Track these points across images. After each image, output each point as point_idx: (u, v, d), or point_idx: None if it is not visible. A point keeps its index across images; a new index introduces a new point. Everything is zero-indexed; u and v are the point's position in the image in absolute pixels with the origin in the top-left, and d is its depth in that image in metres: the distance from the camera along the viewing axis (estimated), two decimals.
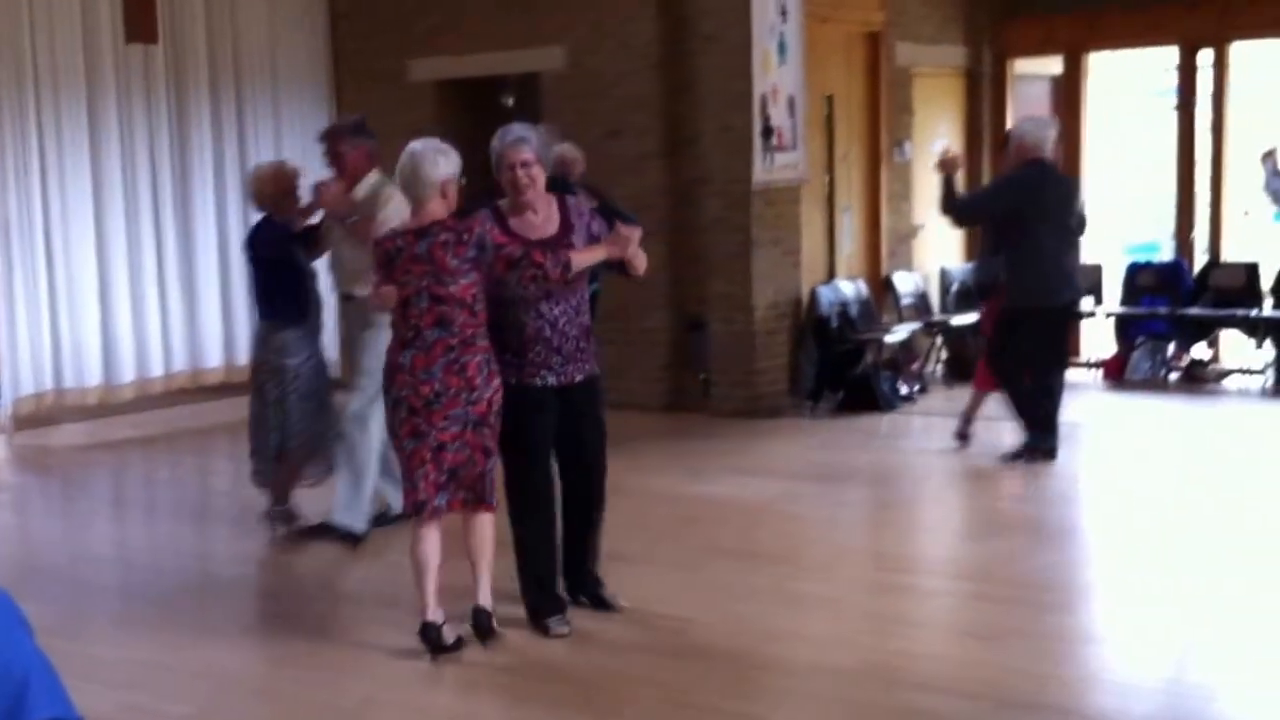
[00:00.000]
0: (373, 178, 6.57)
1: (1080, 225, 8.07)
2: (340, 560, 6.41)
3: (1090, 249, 11.78)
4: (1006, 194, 7.95)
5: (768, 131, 9.62)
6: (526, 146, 5.07)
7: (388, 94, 10.90)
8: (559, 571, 5.27)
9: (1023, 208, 7.74)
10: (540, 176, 5.10)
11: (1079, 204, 8.10)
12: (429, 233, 4.88)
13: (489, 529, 5.04)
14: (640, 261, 5.12)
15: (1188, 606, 5.54)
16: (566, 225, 5.12)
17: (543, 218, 5.12)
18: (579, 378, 5.14)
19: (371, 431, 6.41)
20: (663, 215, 9.64)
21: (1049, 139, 7.89)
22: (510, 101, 11.09)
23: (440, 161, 4.94)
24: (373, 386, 5.95)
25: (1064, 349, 8.39)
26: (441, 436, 4.87)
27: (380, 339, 5.61)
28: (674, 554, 6.28)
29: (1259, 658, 4.92)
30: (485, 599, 5.00)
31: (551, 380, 5.08)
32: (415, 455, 4.89)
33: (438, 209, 4.95)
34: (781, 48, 9.78)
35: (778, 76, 9.74)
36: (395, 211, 5.99)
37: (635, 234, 5.06)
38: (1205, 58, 11.02)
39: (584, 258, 5.00)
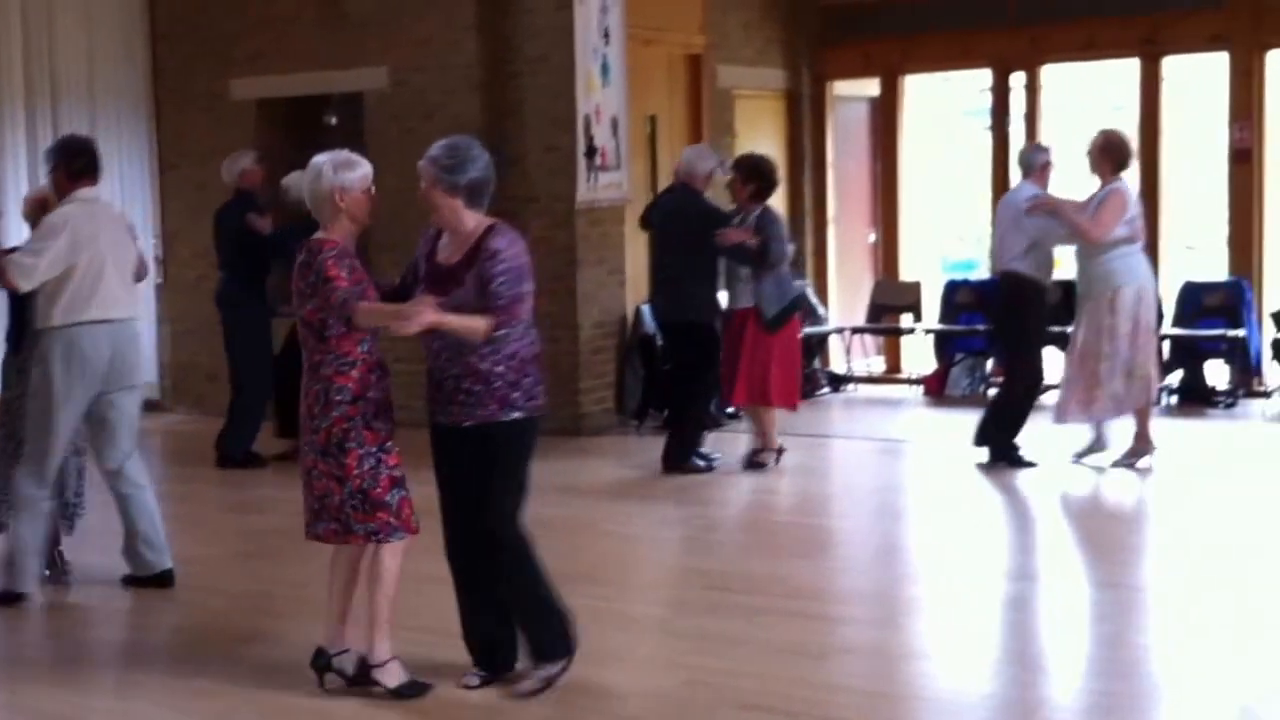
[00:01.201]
0: (65, 205, 6.03)
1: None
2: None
3: (909, 267, 12.09)
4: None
5: (591, 151, 9.63)
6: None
7: (208, 113, 10.70)
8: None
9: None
10: (439, 204, 4.64)
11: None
12: (307, 250, 4.67)
13: (374, 563, 4.73)
14: (402, 328, 4.51)
15: (1010, 620, 5.65)
16: (468, 261, 4.63)
17: (454, 246, 4.69)
18: (466, 423, 4.64)
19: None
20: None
21: (701, 170, 8.47)
22: (333, 121, 10.93)
23: (326, 174, 4.65)
24: None
25: (690, 368, 8.48)
26: (305, 462, 4.74)
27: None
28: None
29: (1081, 670, 5.04)
30: (344, 639, 4.81)
31: (440, 419, 4.73)
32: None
33: (333, 226, 4.66)
34: (605, 69, 9.80)
35: (601, 97, 9.76)
36: (51, 247, 5.80)
37: (420, 316, 4.47)
38: (1018, 80, 11.36)
39: (373, 316, 4.59)
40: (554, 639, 4.68)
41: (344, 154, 4.76)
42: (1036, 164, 8.35)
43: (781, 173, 9.74)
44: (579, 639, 4.72)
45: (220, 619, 5.78)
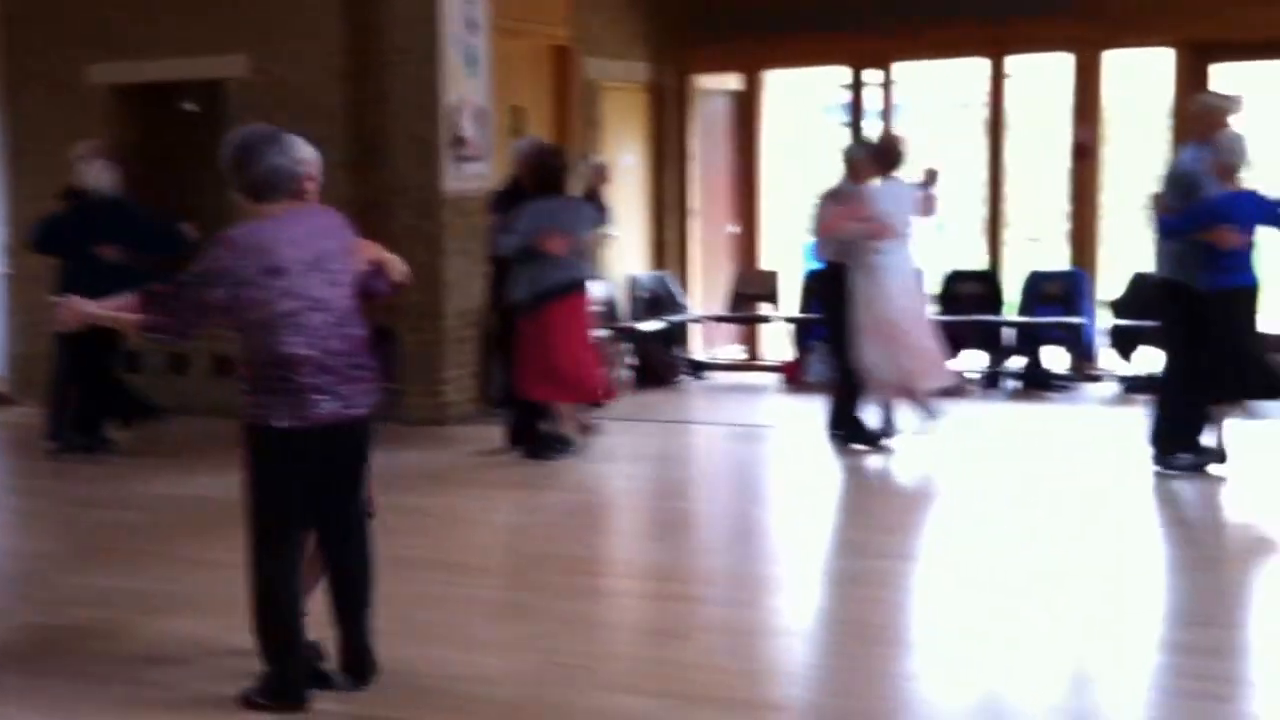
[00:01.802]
0: None
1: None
2: None
3: (769, 256, 12.37)
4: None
5: (457, 142, 9.70)
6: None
7: (63, 98, 10.51)
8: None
9: None
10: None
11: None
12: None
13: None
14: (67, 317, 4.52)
15: (864, 595, 5.89)
16: None
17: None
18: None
19: None
20: (353, 225, 9.55)
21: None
22: (192, 108, 10.83)
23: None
24: None
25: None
26: None
27: None
28: None
29: (939, 640, 5.29)
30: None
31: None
32: None
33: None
34: (471, 59, 9.87)
35: (467, 88, 9.83)
36: None
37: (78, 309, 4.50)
38: (874, 77, 11.68)
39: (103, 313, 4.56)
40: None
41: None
42: (856, 159, 8.61)
43: (646, 169, 9.99)
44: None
45: (66, 615, 5.70)
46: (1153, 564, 6.38)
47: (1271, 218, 7.48)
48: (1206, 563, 6.31)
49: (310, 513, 4.59)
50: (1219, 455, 7.63)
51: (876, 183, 8.48)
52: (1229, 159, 7.43)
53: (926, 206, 8.74)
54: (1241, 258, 7.45)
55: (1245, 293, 7.51)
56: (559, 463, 8.43)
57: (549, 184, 8.40)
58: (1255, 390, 7.67)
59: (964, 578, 6.02)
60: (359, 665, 4.69)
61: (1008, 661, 4.96)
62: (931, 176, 8.60)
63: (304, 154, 4.53)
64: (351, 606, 4.69)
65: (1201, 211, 7.37)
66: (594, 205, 9.34)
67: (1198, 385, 7.56)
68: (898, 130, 9.11)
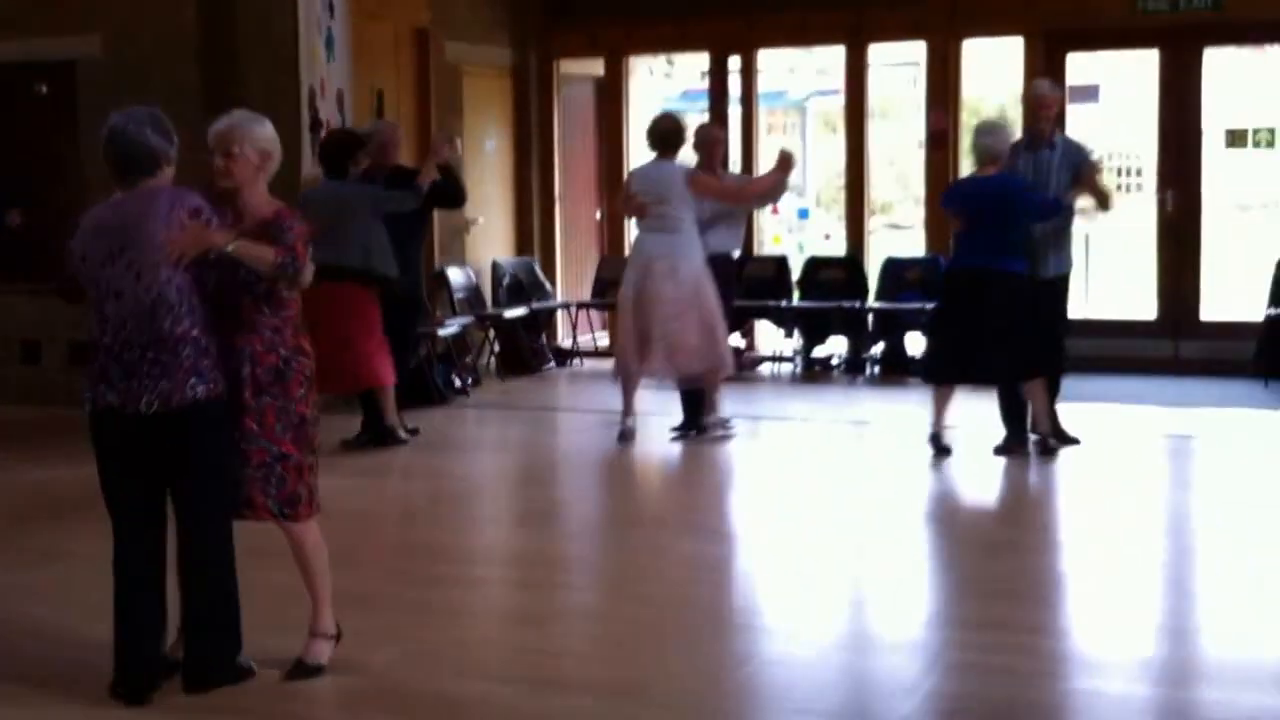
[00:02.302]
0: None
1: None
2: None
3: (619, 244, 12.41)
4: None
5: (316, 125, 9.58)
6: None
7: None
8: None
9: None
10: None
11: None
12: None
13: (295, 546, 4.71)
14: None
15: (721, 578, 5.97)
16: None
17: None
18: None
19: None
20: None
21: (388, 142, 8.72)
22: (43, 89, 10.53)
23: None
24: None
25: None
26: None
27: None
28: None
29: (785, 618, 5.39)
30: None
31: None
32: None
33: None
34: (329, 42, 9.75)
35: (326, 71, 9.71)
36: None
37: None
38: (736, 63, 11.79)
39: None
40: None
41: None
42: (705, 142, 8.70)
43: (509, 155, 9.89)
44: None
45: None
46: (970, 543, 6.56)
47: (995, 206, 7.60)
48: (1022, 542, 6.51)
49: (128, 501, 4.47)
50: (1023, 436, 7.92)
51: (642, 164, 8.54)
52: (974, 146, 7.78)
53: (765, 191, 8.76)
54: (963, 241, 7.79)
55: (962, 274, 7.78)
56: (413, 451, 8.34)
57: (332, 169, 8.33)
58: (989, 375, 7.83)
59: (797, 556, 6.15)
60: (186, 670, 4.54)
61: (836, 637, 5.08)
62: (785, 161, 8.42)
63: (157, 138, 4.45)
64: (183, 607, 4.58)
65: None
66: (378, 185, 8.55)
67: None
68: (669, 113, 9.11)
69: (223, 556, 4.55)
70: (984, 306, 7.59)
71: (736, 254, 9.14)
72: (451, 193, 8.89)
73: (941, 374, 7.93)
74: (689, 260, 8.25)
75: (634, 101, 12.37)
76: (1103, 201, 7.90)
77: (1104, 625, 5.19)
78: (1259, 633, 5.01)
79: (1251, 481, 7.46)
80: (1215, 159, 11.20)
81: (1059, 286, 7.86)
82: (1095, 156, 8.14)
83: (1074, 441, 8.00)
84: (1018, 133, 8.07)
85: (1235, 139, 11.61)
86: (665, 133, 8.43)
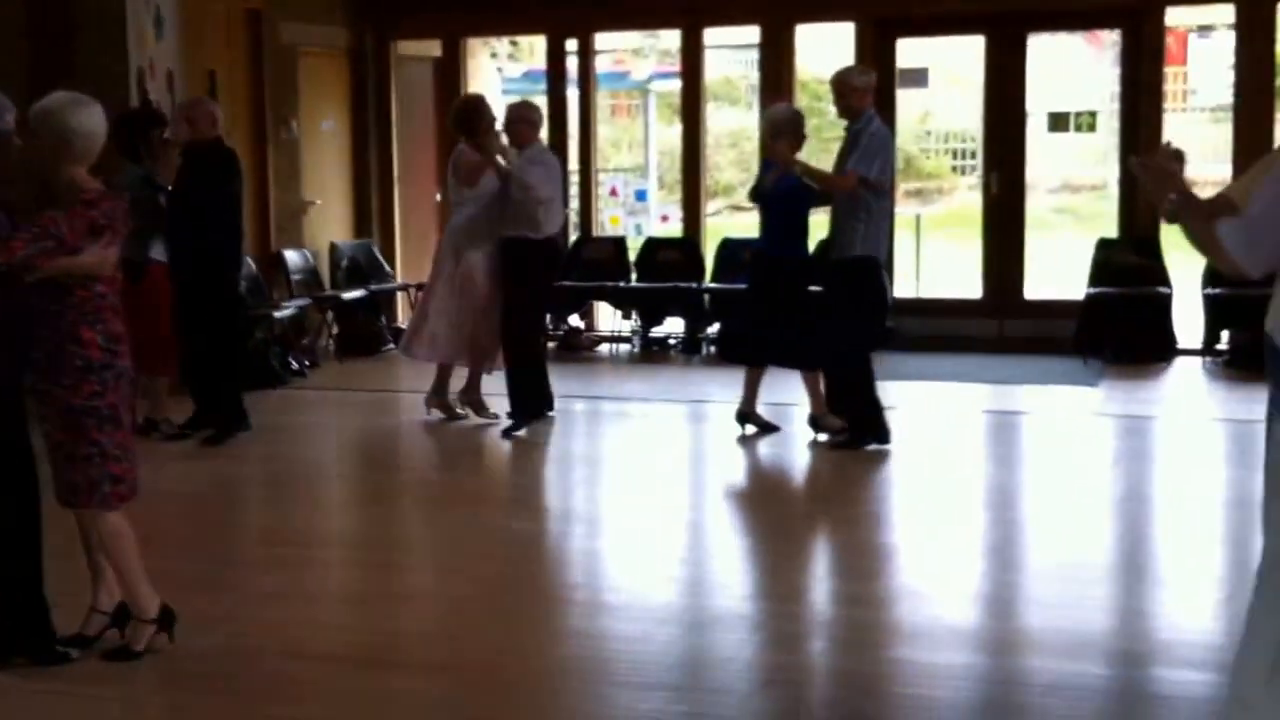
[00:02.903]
0: None
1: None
2: None
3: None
4: None
5: (145, 105, 9.38)
6: None
7: None
8: None
9: None
10: None
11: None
12: None
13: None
14: None
15: (542, 553, 6.04)
16: None
17: None
18: None
19: None
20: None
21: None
22: None
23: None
24: None
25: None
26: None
27: None
28: None
29: (604, 596, 5.47)
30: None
31: None
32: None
33: None
34: (158, 22, 9.56)
35: (156, 51, 9.53)
36: None
37: None
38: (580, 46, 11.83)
39: None
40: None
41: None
42: (510, 121, 8.42)
43: (346, 136, 9.74)
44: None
45: None
46: (794, 519, 6.74)
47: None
48: (844, 517, 6.71)
49: None
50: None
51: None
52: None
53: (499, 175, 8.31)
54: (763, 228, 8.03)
55: (755, 257, 8.11)
56: (248, 434, 8.24)
57: (122, 149, 7.98)
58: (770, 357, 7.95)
59: (626, 534, 6.26)
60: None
61: (660, 612, 5.19)
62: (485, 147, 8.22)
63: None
64: None
65: None
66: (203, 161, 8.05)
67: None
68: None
69: (13, 536, 4.55)
70: (768, 290, 7.80)
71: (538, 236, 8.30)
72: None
73: (731, 354, 8.16)
74: (464, 247, 8.30)
75: (473, 83, 12.33)
76: (820, 185, 7.71)
77: (924, 596, 5.37)
78: (1079, 603, 5.21)
79: (1071, 455, 7.76)
80: (1039, 142, 11.57)
81: (858, 269, 7.54)
82: (870, 142, 7.51)
83: (774, 428, 8.09)
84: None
85: (1058, 123, 12.03)
86: (454, 114, 8.58)
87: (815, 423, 7.89)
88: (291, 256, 11.03)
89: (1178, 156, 3.34)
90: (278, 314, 10.27)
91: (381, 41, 12.07)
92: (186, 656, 4.70)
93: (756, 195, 7.98)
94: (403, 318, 12.06)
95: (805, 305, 7.82)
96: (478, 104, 8.59)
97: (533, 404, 8.41)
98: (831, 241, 7.83)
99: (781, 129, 7.81)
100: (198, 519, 6.67)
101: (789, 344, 7.79)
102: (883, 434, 7.64)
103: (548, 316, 10.25)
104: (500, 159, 8.23)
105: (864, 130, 7.50)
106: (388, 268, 11.97)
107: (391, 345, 11.63)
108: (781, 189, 7.74)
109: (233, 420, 8.20)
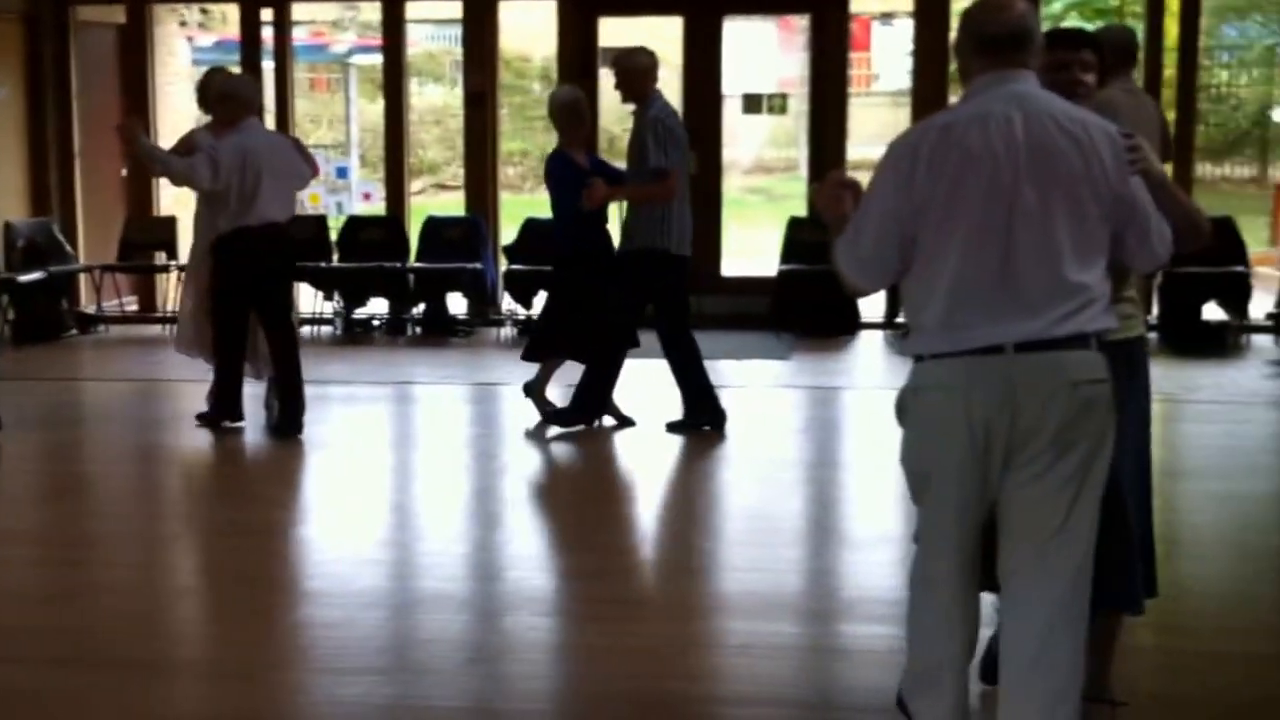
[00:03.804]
0: None
1: None
2: None
3: (166, 202, 11.92)
4: None
5: None
6: None
7: None
8: None
9: None
10: None
11: None
12: None
13: None
14: None
15: (248, 545, 5.88)
16: None
17: None
18: None
19: None
20: None
21: None
22: None
23: None
24: None
25: None
26: None
27: None
28: None
29: (330, 588, 5.36)
30: None
31: None
32: None
33: None
34: None
35: None
36: None
37: None
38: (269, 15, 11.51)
39: None
40: None
41: None
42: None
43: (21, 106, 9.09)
44: None
45: None
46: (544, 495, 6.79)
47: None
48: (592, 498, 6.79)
49: None
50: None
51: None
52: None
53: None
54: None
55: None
56: None
57: None
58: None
59: (339, 520, 6.16)
60: None
61: (376, 597, 5.15)
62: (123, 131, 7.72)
63: None
64: None
65: None
66: None
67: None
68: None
69: None
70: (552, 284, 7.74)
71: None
72: None
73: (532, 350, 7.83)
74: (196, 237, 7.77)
75: (161, 52, 11.84)
76: (643, 200, 7.45)
77: (626, 567, 5.45)
78: (772, 566, 5.41)
79: (764, 425, 8.02)
80: (734, 123, 11.88)
81: (634, 261, 7.40)
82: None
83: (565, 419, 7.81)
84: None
85: (752, 105, 12.40)
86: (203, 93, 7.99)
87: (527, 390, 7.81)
88: None
89: (846, 184, 3.40)
90: None
91: (60, 5, 11.45)
92: None
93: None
94: (86, 300, 11.50)
95: (568, 300, 7.58)
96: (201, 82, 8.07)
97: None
98: (624, 232, 7.50)
99: (556, 117, 7.61)
100: None
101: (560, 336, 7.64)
102: (717, 418, 7.52)
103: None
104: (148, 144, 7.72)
105: (656, 118, 7.25)
106: (69, 248, 11.37)
107: (74, 331, 11.08)
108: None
109: None
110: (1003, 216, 3.12)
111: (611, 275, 7.51)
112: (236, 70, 9.36)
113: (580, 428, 7.62)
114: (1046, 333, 3.12)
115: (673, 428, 7.58)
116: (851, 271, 3.29)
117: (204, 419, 7.79)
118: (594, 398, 7.59)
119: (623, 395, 7.79)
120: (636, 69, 7.33)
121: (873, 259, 3.25)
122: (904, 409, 3.31)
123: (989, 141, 3.12)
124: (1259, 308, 10.46)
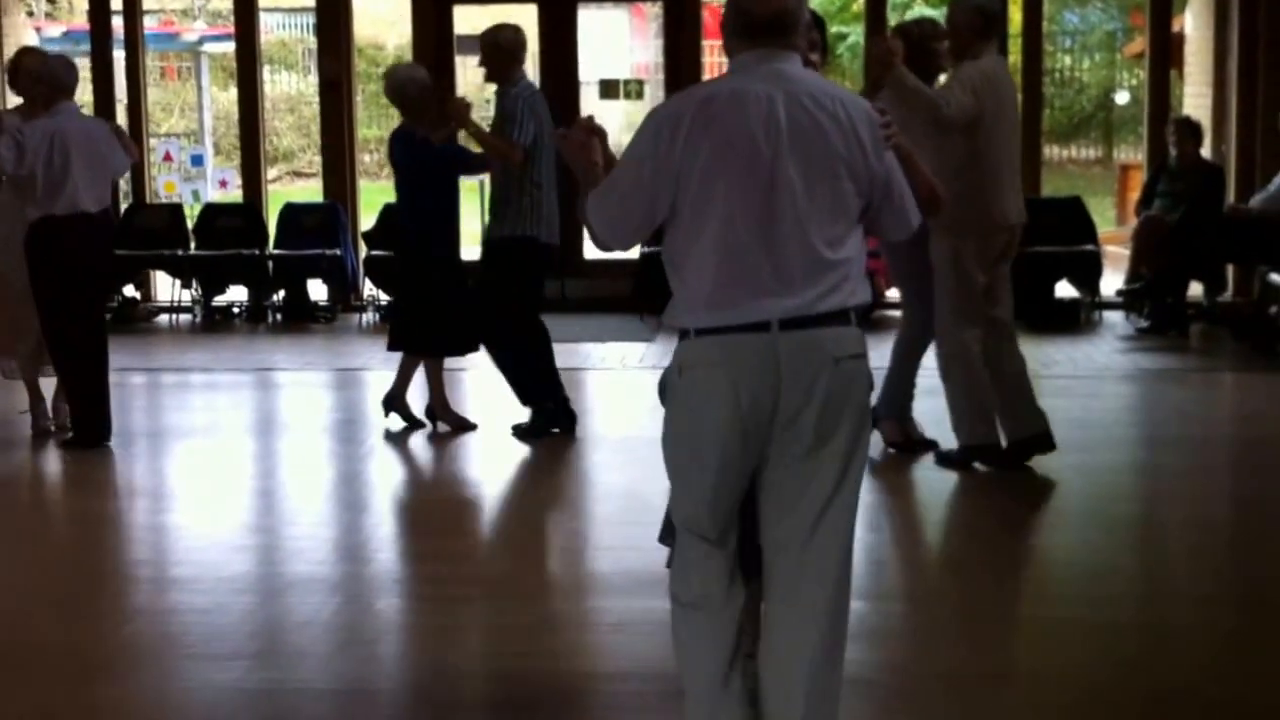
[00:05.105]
0: None
1: None
2: None
3: None
4: None
5: None
6: None
7: None
8: None
9: None
10: None
11: None
12: None
13: None
14: None
15: (103, 534, 5.82)
16: None
17: None
18: None
19: None
20: None
21: None
22: None
23: None
24: None
25: None
26: None
27: None
28: None
29: (202, 573, 5.34)
30: None
31: None
32: None
33: None
34: None
35: None
36: None
37: None
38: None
39: None
40: None
41: None
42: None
43: None
44: None
45: None
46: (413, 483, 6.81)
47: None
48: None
49: None
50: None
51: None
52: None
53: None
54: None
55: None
56: None
57: None
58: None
59: (194, 507, 6.15)
60: None
61: (235, 582, 5.16)
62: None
63: None
64: None
65: None
66: None
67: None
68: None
69: None
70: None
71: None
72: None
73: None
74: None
75: (9, 42, 11.53)
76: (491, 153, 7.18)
77: (505, 547, 5.52)
78: (641, 544, 5.46)
79: (627, 406, 8.13)
80: (592, 108, 11.97)
81: (501, 250, 7.14)
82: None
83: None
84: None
85: (609, 90, 12.47)
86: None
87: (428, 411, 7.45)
88: None
89: (594, 130, 3.38)
90: None
91: None
92: None
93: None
94: None
95: (423, 294, 7.21)
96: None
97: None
98: (493, 215, 7.21)
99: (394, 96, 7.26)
100: None
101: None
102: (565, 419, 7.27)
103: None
104: None
105: (519, 96, 6.97)
106: None
107: None
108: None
109: None
110: (762, 193, 3.10)
111: (462, 275, 7.24)
112: (80, 58, 9.12)
113: (542, 420, 7.23)
114: (810, 309, 3.10)
115: (520, 433, 7.19)
116: (599, 226, 3.26)
117: (70, 446, 7.08)
118: (539, 383, 7.22)
119: (473, 396, 7.82)
120: (503, 45, 7.01)
121: (620, 219, 3.23)
122: (667, 387, 3.26)
123: (747, 118, 3.10)
124: (1109, 285, 10.81)
